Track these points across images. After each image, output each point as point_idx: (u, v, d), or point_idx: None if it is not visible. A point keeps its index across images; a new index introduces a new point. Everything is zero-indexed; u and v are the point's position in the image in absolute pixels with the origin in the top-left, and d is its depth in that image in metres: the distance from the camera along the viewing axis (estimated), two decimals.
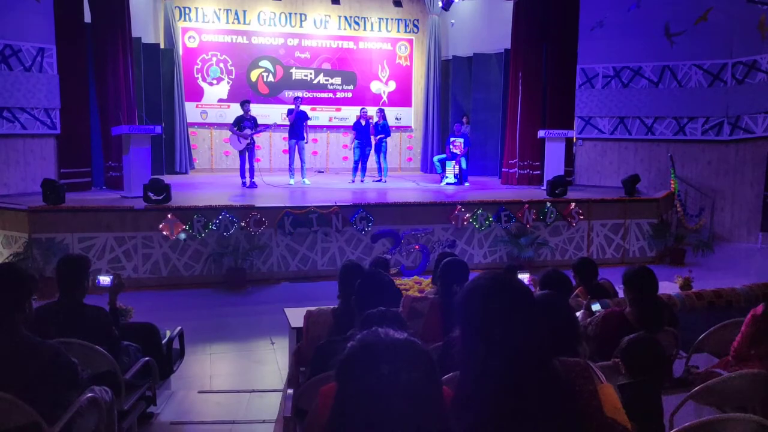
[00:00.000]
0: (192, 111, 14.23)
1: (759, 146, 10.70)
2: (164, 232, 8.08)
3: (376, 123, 12.70)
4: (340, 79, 15.41)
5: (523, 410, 1.57)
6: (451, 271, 3.70)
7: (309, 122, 12.23)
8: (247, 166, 11.30)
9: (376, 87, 15.67)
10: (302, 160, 12.02)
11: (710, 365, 3.66)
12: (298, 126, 11.79)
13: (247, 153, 11.25)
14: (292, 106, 12.06)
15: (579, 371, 1.70)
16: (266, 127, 11.87)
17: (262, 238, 8.46)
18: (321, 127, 15.17)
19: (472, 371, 1.64)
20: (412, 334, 1.50)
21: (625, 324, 3.45)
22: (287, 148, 12.43)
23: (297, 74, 15.12)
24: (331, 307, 3.71)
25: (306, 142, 12.03)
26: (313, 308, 3.81)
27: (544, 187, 10.71)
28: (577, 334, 2.44)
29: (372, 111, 13.02)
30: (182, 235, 8.17)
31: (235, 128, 11.19)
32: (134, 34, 11.84)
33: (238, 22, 14.61)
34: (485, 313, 1.64)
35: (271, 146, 14.64)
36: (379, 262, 4.37)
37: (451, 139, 12.53)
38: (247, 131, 11.12)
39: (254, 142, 11.41)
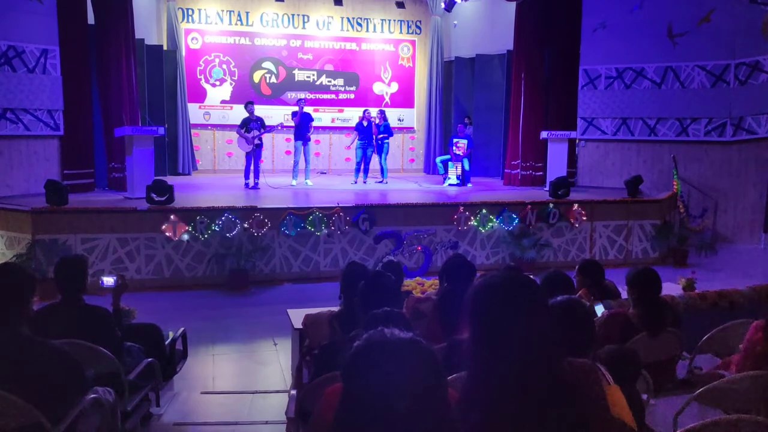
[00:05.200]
0: (195, 112, 14.24)
1: (762, 147, 10.68)
2: (167, 234, 8.09)
3: (377, 124, 12.70)
4: (342, 80, 15.41)
5: (531, 410, 1.56)
6: (455, 272, 3.71)
7: (312, 123, 12.27)
8: (251, 167, 11.32)
9: (378, 88, 15.67)
10: (307, 161, 12.07)
11: (714, 366, 3.65)
12: (303, 128, 11.83)
13: (254, 154, 11.28)
14: (296, 108, 12.08)
15: (587, 372, 1.70)
16: (272, 128, 11.91)
17: (264, 239, 8.47)
18: (323, 128, 15.17)
19: (479, 370, 1.64)
20: (416, 334, 1.50)
21: (629, 325, 3.44)
22: (290, 149, 12.45)
23: (300, 75, 15.13)
24: (327, 309, 3.71)
25: (307, 141, 12.05)
26: (310, 312, 3.81)
27: (547, 188, 10.71)
28: (593, 339, 2.44)
29: (374, 112, 13.02)
30: (185, 236, 8.18)
31: (242, 130, 11.23)
32: (137, 35, 11.85)
33: (241, 24, 14.62)
34: (495, 311, 1.63)
35: (274, 147, 14.64)
36: (392, 265, 4.34)
37: (454, 141, 12.53)
38: (255, 132, 11.15)
39: (261, 143, 11.43)
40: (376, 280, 3.13)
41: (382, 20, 15.57)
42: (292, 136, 12.44)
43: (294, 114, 11.97)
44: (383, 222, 8.88)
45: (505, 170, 13.10)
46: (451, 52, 15.59)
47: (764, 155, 10.65)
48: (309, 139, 12.00)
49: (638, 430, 2.20)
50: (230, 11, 14.52)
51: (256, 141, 11.19)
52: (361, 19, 15.43)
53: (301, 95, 14.42)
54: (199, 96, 14.39)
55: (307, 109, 12.38)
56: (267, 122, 11.88)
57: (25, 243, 7.81)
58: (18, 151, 9.96)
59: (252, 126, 11.21)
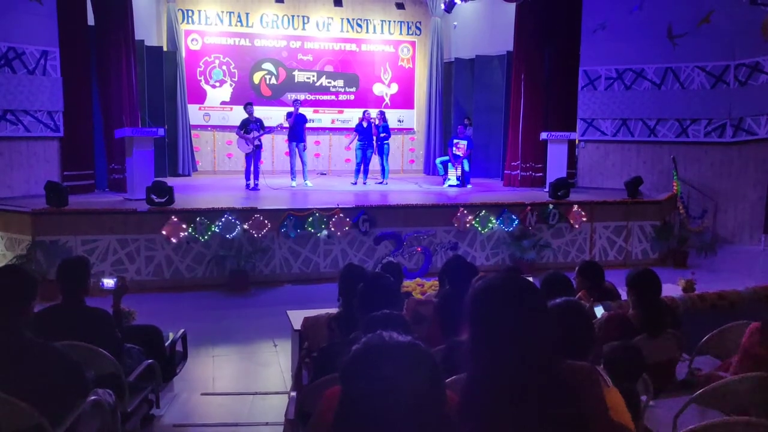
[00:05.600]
0: (195, 113, 14.25)
1: (762, 148, 10.68)
2: (167, 235, 8.09)
3: (377, 125, 12.71)
4: (342, 81, 15.42)
5: (530, 413, 1.57)
6: (455, 273, 3.71)
7: (311, 124, 12.29)
8: (252, 168, 11.33)
9: (378, 89, 15.68)
10: (303, 162, 12.06)
11: (714, 368, 3.65)
12: (298, 129, 11.83)
13: (253, 155, 11.29)
14: (292, 109, 12.10)
15: (586, 375, 1.70)
16: (272, 129, 11.93)
17: (264, 240, 8.47)
18: (323, 129, 15.18)
19: (479, 372, 1.64)
20: (416, 338, 1.50)
21: (628, 327, 3.44)
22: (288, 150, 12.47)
23: (299, 76, 15.14)
24: (326, 311, 3.71)
25: (305, 146, 12.06)
26: (309, 315, 3.81)
27: (547, 189, 10.71)
28: (593, 341, 2.45)
29: (374, 113, 13.04)
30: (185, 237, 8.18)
31: (242, 131, 11.24)
32: (137, 36, 11.86)
33: (241, 25, 14.63)
34: (494, 313, 1.63)
35: (273, 148, 14.64)
36: (391, 266, 4.34)
37: (454, 141, 12.53)
38: (254, 133, 11.16)
39: (261, 144, 11.44)
40: (375, 282, 3.13)
41: (381, 21, 15.58)
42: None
43: (289, 115, 11.97)
44: (383, 223, 8.89)
45: (505, 171, 13.10)
46: (450, 53, 15.60)
47: (764, 156, 10.65)
48: (303, 140, 11.99)
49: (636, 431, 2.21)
50: (230, 12, 14.53)
51: (256, 142, 11.20)
52: (360, 20, 15.44)
53: (301, 96, 14.43)
54: (199, 97, 14.40)
55: (306, 110, 12.38)
56: (266, 123, 11.89)
57: (25, 244, 7.81)
58: (18, 153, 9.96)
59: (251, 127, 11.23)
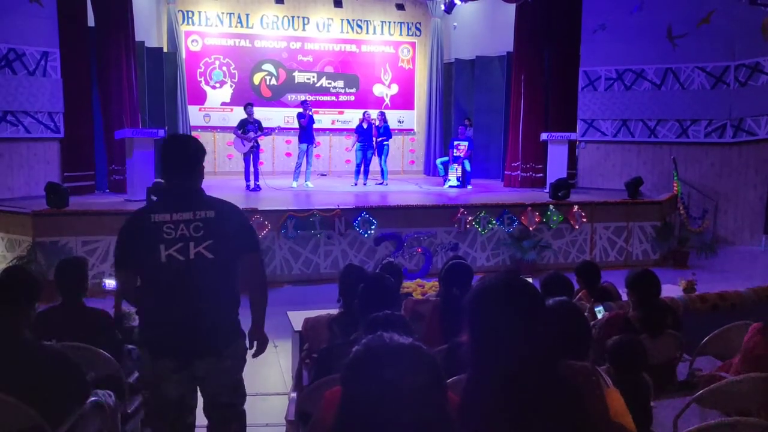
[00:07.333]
0: (195, 114, 14.25)
1: (762, 148, 10.67)
2: None
3: (377, 126, 12.72)
4: (342, 82, 15.42)
5: (530, 414, 1.57)
6: (452, 274, 3.70)
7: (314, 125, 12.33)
8: (251, 169, 11.33)
9: (378, 90, 15.68)
10: (309, 164, 12.08)
11: (714, 368, 3.65)
12: (311, 129, 11.83)
13: (251, 156, 11.29)
14: (300, 110, 12.02)
15: (586, 376, 1.70)
16: (270, 130, 11.91)
17: (264, 240, 8.47)
18: (324, 130, 15.16)
19: (479, 373, 1.64)
20: (416, 338, 1.50)
21: (629, 327, 3.45)
22: (291, 151, 12.47)
23: (300, 77, 15.14)
24: (327, 312, 3.71)
25: (315, 146, 12.13)
26: (310, 315, 3.81)
27: (547, 190, 10.71)
28: (589, 340, 2.45)
29: (374, 114, 13.03)
30: None
31: (239, 131, 11.25)
32: (137, 37, 11.86)
33: (241, 26, 14.64)
34: (494, 315, 1.64)
35: (274, 149, 14.64)
36: (391, 267, 4.34)
37: (454, 143, 12.53)
38: (251, 134, 11.16)
39: (258, 145, 11.44)
40: (376, 283, 3.13)
41: (381, 22, 15.59)
42: (292, 138, 12.37)
43: (301, 116, 11.87)
44: (384, 224, 8.88)
45: (505, 172, 13.10)
46: (450, 54, 15.60)
47: (764, 156, 10.64)
48: (314, 141, 12.02)
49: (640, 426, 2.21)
50: (230, 13, 14.54)
51: (252, 143, 11.20)
52: (361, 20, 15.45)
53: (302, 97, 14.42)
54: (199, 98, 14.40)
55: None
56: (266, 124, 11.87)
57: (25, 245, 7.81)
58: (18, 154, 9.96)
59: (249, 128, 11.23)
